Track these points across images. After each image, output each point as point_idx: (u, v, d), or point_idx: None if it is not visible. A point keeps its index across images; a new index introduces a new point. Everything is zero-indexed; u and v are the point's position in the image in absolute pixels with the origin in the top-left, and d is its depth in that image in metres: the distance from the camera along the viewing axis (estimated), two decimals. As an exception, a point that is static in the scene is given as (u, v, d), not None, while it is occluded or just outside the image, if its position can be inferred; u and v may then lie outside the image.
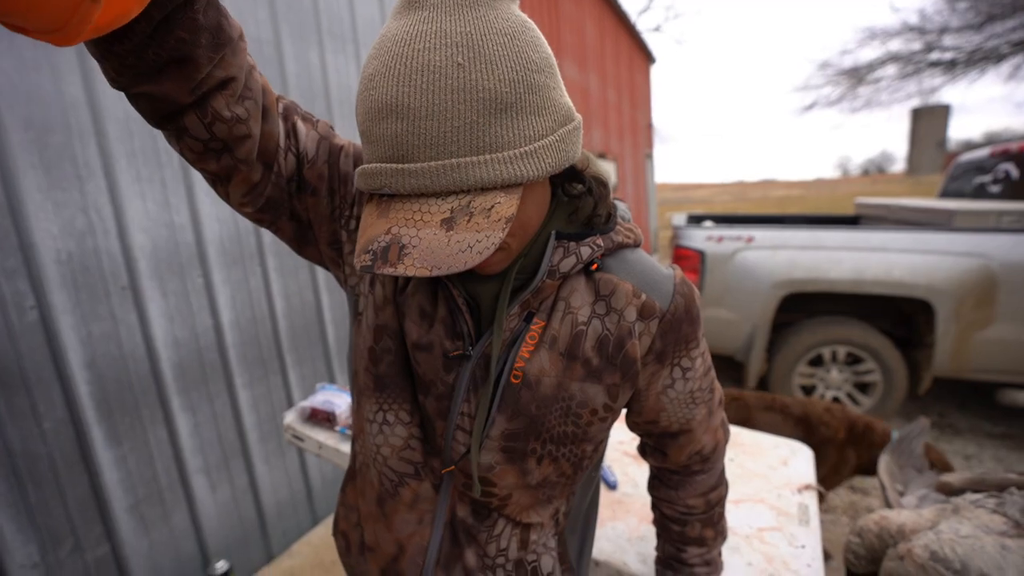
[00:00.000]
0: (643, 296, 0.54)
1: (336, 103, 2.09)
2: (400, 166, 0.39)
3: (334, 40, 2.08)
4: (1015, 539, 0.76)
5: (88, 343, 1.36)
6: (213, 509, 1.69)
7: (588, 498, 0.70)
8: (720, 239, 3.04)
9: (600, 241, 0.53)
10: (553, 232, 0.52)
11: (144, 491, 1.51)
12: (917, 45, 12.97)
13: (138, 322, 1.47)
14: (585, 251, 0.52)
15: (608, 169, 5.43)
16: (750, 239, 2.99)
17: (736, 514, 0.96)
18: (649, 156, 9.49)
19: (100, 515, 1.42)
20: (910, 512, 0.91)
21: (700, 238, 3.08)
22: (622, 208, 0.61)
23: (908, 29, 12.94)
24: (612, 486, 1.05)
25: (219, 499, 1.71)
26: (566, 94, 0.47)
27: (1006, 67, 12.19)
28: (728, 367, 3.63)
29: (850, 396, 3.08)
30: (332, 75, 2.08)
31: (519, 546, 0.61)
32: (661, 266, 0.59)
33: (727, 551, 0.87)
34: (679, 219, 3.72)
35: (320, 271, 2.07)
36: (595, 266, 0.54)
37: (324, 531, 2.09)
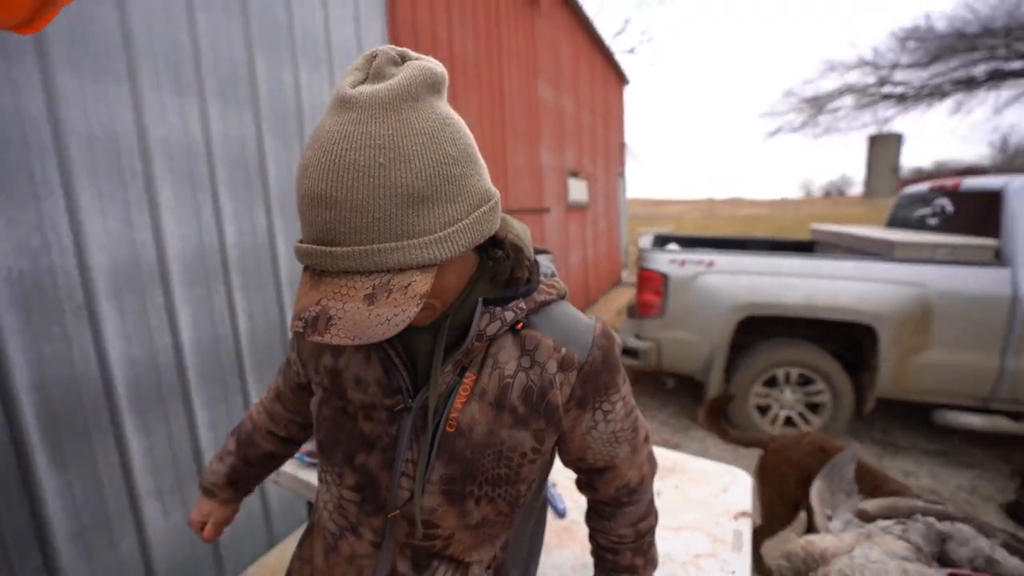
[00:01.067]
0: (563, 350, 0.60)
1: (308, 121, 2.11)
2: (328, 248, 0.45)
3: (308, 61, 2.10)
4: (914, 563, 0.83)
5: (37, 364, 1.33)
6: (164, 534, 1.66)
7: (529, 528, 0.75)
8: (683, 263, 3.15)
9: (523, 304, 0.59)
10: (480, 300, 0.58)
11: (90, 517, 1.47)
12: (871, 79, 13.71)
13: (92, 342, 1.45)
14: (509, 315, 0.58)
15: (580, 188, 5.52)
16: (711, 263, 3.11)
17: (675, 541, 1.02)
18: (621, 175, 9.70)
19: (39, 544, 1.37)
20: (833, 537, 0.98)
21: (664, 261, 3.18)
22: (545, 264, 0.67)
23: (864, 63, 13.66)
24: (561, 514, 1.10)
25: (171, 523, 1.68)
26: (485, 176, 0.53)
27: (950, 103, 12.88)
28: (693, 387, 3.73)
29: (801, 416, 3.21)
30: (305, 95, 2.09)
31: None
32: (583, 318, 0.64)
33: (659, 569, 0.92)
34: (645, 241, 3.83)
35: (287, 290, 2.07)
36: (520, 325, 0.60)
37: (281, 552, 2.07)
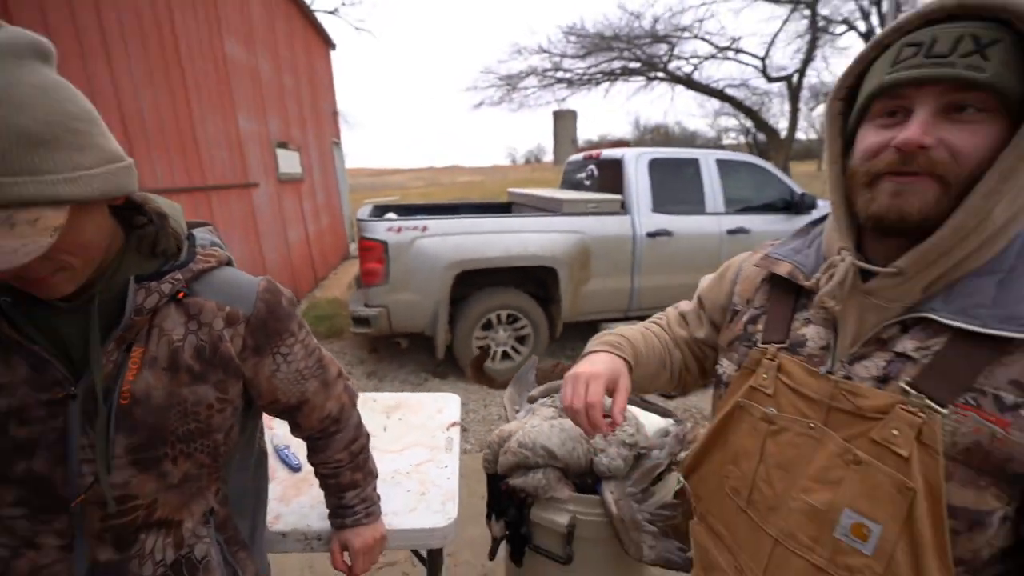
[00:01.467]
0: (227, 308, 0.68)
1: None
2: None
3: None
4: (559, 419, 1.22)
5: None
6: None
7: (249, 482, 0.81)
8: (399, 229, 3.37)
9: (179, 275, 0.65)
10: (132, 277, 0.61)
11: None
12: (548, 64, 16.39)
13: None
14: (166, 287, 0.63)
15: (292, 159, 5.14)
16: (425, 228, 3.41)
17: (400, 459, 1.21)
18: (337, 144, 9.42)
19: None
20: (516, 422, 1.33)
21: (381, 229, 3.35)
22: (202, 236, 0.73)
23: (542, 50, 16.20)
24: (296, 468, 1.18)
25: None
26: (113, 141, 0.57)
27: (601, 89, 16.62)
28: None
29: (513, 348, 3.88)
30: None
31: (175, 548, 0.68)
32: (247, 278, 0.72)
33: (391, 487, 1.10)
34: (363, 212, 3.93)
35: None
36: (181, 295, 0.65)
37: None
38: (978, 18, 0.49)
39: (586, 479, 1.22)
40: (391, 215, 4.14)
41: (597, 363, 0.75)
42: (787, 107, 14.65)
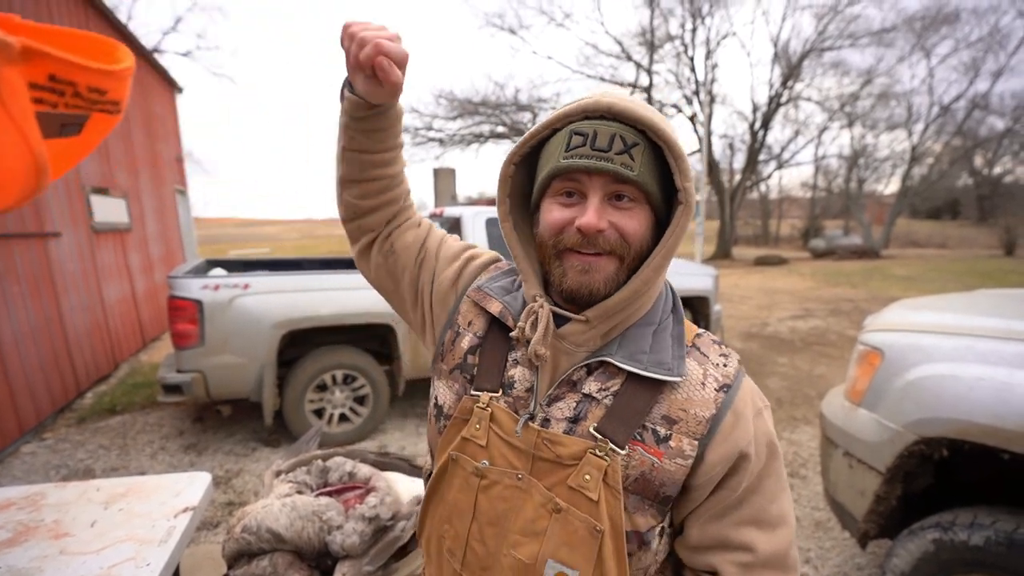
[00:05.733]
0: None
1: None
2: None
3: None
4: (296, 496, 1.15)
5: None
6: None
7: None
8: (217, 287, 3.12)
9: None
10: None
11: None
12: (419, 123, 17.05)
13: None
14: None
15: (113, 207, 4.71)
16: (246, 286, 3.20)
17: (95, 560, 1.05)
18: (182, 192, 8.66)
19: None
20: (258, 502, 1.23)
21: (195, 288, 3.08)
22: None
23: (413, 110, 16.82)
24: None
25: None
26: None
27: (471, 150, 17.84)
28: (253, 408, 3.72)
29: (352, 410, 3.69)
30: None
31: None
32: None
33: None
34: (179, 269, 3.58)
35: None
36: None
37: None
38: (626, 122, 0.59)
39: (326, 560, 1.15)
40: (219, 270, 3.83)
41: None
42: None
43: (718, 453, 0.60)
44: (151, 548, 1.09)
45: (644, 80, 16.46)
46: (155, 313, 6.41)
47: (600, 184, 0.61)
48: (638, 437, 0.61)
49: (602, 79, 16.93)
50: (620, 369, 0.63)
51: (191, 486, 1.33)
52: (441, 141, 17.33)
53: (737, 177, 19.87)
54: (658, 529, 0.63)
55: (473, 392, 0.70)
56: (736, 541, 0.62)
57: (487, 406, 0.68)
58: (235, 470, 3.26)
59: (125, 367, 5.38)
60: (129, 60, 0.45)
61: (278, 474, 1.29)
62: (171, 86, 8.44)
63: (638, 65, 16.73)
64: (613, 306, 0.63)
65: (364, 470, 1.30)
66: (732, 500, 0.62)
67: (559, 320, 0.67)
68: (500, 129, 16.71)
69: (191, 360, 3.12)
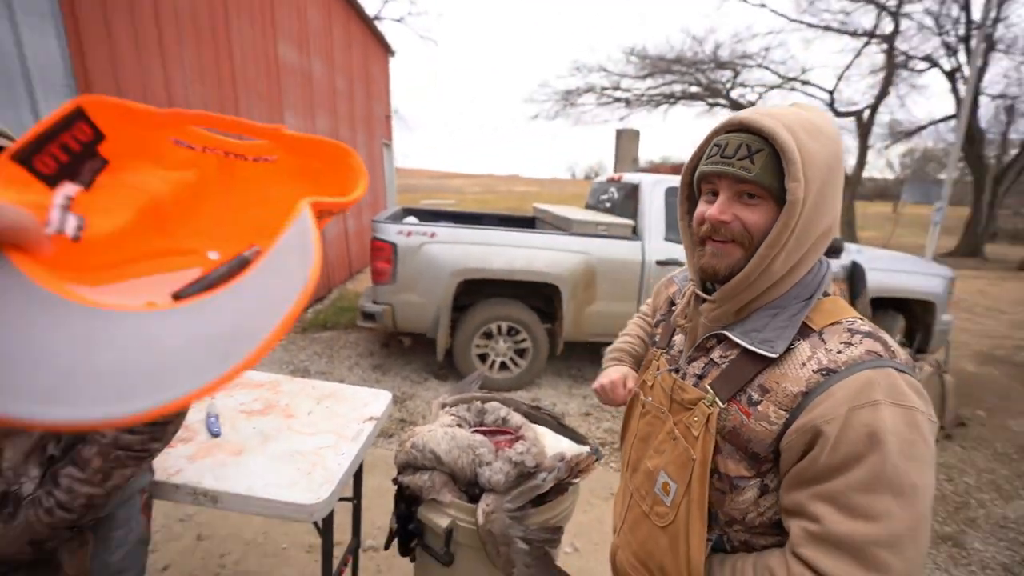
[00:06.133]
0: None
1: None
2: None
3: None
4: (454, 428, 1.29)
5: None
6: None
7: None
8: (409, 233, 3.53)
9: None
10: None
11: None
12: (607, 83, 16.44)
13: None
14: None
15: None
16: (433, 234, 3.55)
17: (308, 441, 1.32)
18: (388, 145, 9.83)
19: None
20: (426, 426, 1.41)
21: (392, 232, 3.52)
22: None
23: (601, 68, 16.27)
24: (215, 434, 1.31)
25: None
26: None
27: (660, 111, 16.54)
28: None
29: (512, 360, 3.94)
30: None
31: None
32: None
33: (285, 462, 1.20)
34: (381, 215, 4.12)
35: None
36: None
37: None
38: (753, 132, 0.70)
39: (474, 489, 1.28)
40: (411, 218, 4.32)
41: (611, 372, 1.08)
42: (854, 143, 13.96)
43: (798, 424, 0.67)
44: (346, 442, 1.33)
45: (887, 27, 13.11)
46: (361, 250, 7.52)
47: (727, 184, 0.73)
48: (737, 398, 0.74)
49: (827, 28, 14.21)
50: (736, 343, 0.76)
51: (376, 400, 1.58)
52: (627, 101, 16.52)
53: (1013, 152, 14.86)
54: (753, 482, 0.73)
55: (652, 348, 0.99)
56: (808, 510, 0.66)
57: (658, 359, 0.93)
58: (409, 393, 3.75)
59: (336, 292, 6.47)
60: (363, 188, 0.53)
61: (443, 406, 1.46)
62: (386, 49, 9.48)
63: (881, 7, 12.99)
64: (731, 288, 0.75)
65: (516, 418, 1.39)
66: (812, 473, 0.66)
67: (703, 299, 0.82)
68: (693, 89, 15.30)
69: (384, 294, 3.62)
